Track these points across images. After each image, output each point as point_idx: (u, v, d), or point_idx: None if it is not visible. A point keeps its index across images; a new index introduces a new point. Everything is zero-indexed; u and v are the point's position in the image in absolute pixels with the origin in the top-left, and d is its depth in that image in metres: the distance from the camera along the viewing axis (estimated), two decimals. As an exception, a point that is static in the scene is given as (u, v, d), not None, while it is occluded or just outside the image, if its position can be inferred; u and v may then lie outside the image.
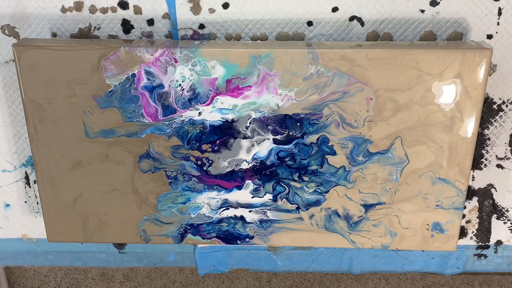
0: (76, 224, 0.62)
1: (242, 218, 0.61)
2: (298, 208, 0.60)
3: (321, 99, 0.54)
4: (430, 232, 0.60)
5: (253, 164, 0.58)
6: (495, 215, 0.66)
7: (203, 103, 0.55)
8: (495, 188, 0.65)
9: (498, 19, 0.56)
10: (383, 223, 0.60)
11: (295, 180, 0.59)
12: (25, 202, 0.69)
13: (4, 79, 0.61)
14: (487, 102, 0.60)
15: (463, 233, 0.68)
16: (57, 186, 0.60)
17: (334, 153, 0.57)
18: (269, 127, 0.56)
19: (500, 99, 0.60)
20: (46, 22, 0.58)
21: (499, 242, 0.68)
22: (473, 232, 0.68)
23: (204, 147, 0.57)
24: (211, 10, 0.57)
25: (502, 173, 0.64)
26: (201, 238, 0.62)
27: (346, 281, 0.89)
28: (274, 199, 0.60)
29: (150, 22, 0.58)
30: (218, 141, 0.57)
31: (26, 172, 0.67)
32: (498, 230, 0.67)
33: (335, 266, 0.72)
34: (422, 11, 0.56)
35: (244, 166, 0.58)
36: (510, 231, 0.67)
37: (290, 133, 0.56)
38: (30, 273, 0.91)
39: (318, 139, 0.56)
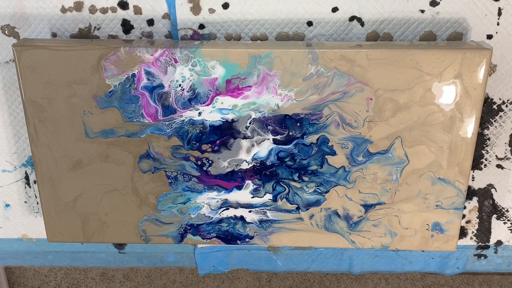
0: (76, 224, 0.62)
1: (242, 218, 0.61)
2: (298, 208, 0.60)
3: (321, 99, 0.54)
4: (430, 232, 0.60)
5: (253, 164, 0.58)
6: (495, 215, 0.66)
7: (203, 103, 0.55)
8: (495, 188, 0.65)
9: (498, 19, 0.56)
10: (383, 223, 0.60)
11: (295, 180, 0.59)
12: (25, 202, 0.69)
13: (4, 79, 0.61)
14: (487, 102, 0.60)
15: (463, 233, 0.68)
16: (57, 186, 0.60)
17: (334, 153, 0.57)
18: (269, 127, 0.56)
19: (500, 99, 0.60)
20: (46, 22, 0.58)
21: (499, 242, 0.68)
22: (473, 232, 0.68)
23: (204, 147, 0.57)
24: (211, 10, 0.57)
25: (502, 173, 0.64)
26: (201, 238, 0.62)
27: (346, 281, 0.89)
28: (274, 199, 0.60)
29: (150, 22, 0.58)
30: (218, 141, 0.57)
31: (26, 172, 0.67)
32: (498, 230, 0.67)
33: (335, 266, 0.72)
34: (422, 11, 0.56)
35: (244, 166, 0.58)
36: (510, 231, 0.67)
37: (290, 133, 0.56)
38: (30, 273, 0.91)
39: (318, 139, 0.56)
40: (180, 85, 0.54)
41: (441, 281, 0.89)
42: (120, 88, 0.54)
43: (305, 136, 0.56)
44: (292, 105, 0.55)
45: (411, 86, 0.53)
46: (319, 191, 0.59)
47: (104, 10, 0.57)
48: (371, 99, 0.54)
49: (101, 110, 0.56)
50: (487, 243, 0.68)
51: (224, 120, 0.56)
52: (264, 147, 0.57)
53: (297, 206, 0.60)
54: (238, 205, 0.60)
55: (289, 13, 0.57)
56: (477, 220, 0.67)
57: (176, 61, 0.53)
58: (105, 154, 0.58)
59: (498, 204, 0.66)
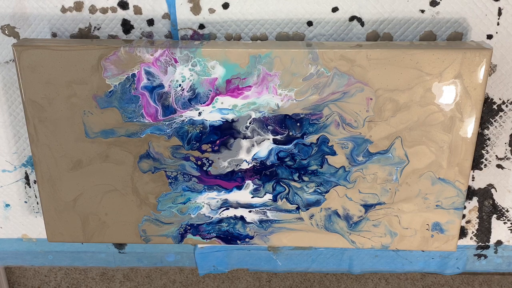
0: (76, 224, 0.62)
1: (242, 218, 0.61)
2: (298, 208, 0.60)
3: (321, 99, 0.54)
4: (430, 232, 0.60)
5: (253, 164, 0.58)
6: (495, 215, 0.66)
7: (203, 103, 0.55)
8: (495, 188, 0.65)
9: (498, 19, 0.56)
10: (383, 223, 0.60)
11: (295, 180, 0.59)
12: (25, 202, 0.69)
13: (4, 79, 0.61)
14: (487, 102, 0.60)
15: (463, 233, 0.68)
16: (57, 186, 0.60)
17: (334, 153, 0.57)
18: (269, 127, 0.56)
19: (500, 99, 0.60)
20: (46, 22, 0.58)
21: (499, 242, 0.68)
22: (473, 232, 0.68)
23: (204, 147, 0.57)
24: (211, 10, 0.57)
25: (502, 173, 0.64)
26: (201, 238, 0.62)
27: (346, 281, 0.89)
28: (274, 199, 0.60)
29: (150, 22, 0.58)
30: (218, 141, 0.57)
31: (26, 172, 0.67)
32: (498, 230, 0.67)
33: (335, 266, 0.72)
34: (422, 11, 0.56)
35: (244, 166, 0.58)
36: (510, 231, 0.67)
37: (290, 133, 0.56)
38: (30, 273, 0.91)
39: (318, 139, 0.56)
40: (180, 85, 0.54)
41: (441, 281, 0.89)
42: (120, 88, 0.54)
43: (305, 136, 0.56)
44: (292, 105, 0.55)
45: (411, 86, 0.53)
46: (319, 191, 0.59)
47: (104, 10, 0.57)
48: (371, 99, 0.54)
49: (101, 110, 0.56)
50: (487, 243, 0.68)
51: (224, 120, 0.56)
52: (264, 147, 0.57)
53: (297, 206, 0.60)
54: (238, 205, 0.60)
55: (289, 13, 0.57)
56: (477, 220, 0.67)
57: (176, 61, 0.53)
58: (105, 154, 0.58)
59: (498, 204, 0.66)
